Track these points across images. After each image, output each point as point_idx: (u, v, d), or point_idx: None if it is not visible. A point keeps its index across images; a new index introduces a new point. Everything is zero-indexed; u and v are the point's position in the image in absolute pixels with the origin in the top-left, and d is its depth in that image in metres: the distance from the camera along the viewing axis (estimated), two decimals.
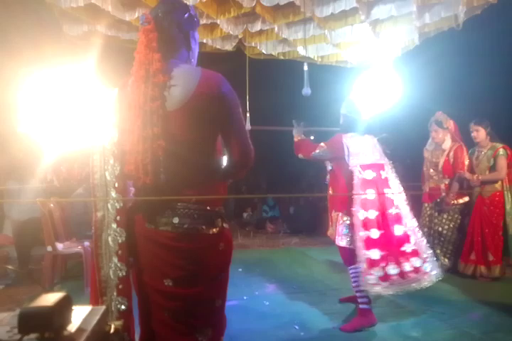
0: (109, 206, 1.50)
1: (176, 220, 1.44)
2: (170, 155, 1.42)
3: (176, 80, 1.45)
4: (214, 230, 1.49)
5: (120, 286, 1.49)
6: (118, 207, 1.51)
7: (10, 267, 4.26)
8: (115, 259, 1.49)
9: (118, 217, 1.50)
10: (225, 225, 1.54)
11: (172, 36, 1.52)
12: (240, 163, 1.56)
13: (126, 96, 1.48)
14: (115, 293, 1.49)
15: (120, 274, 1.49)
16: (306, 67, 3.75)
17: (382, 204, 2.94)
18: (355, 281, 2.98)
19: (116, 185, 1.51)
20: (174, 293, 1.46)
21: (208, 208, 1.49)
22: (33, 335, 0.93)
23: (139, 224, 1.49)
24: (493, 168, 4.29)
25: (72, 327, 1.01)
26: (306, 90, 3.61)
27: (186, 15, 1.56)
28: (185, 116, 1.43)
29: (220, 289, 1.56)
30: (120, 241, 1.49)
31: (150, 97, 1.40)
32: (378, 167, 3.03)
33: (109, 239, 1.49)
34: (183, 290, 1.46)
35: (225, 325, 1.60)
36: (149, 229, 1.46)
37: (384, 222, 2.90)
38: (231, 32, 4.22)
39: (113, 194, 1.52)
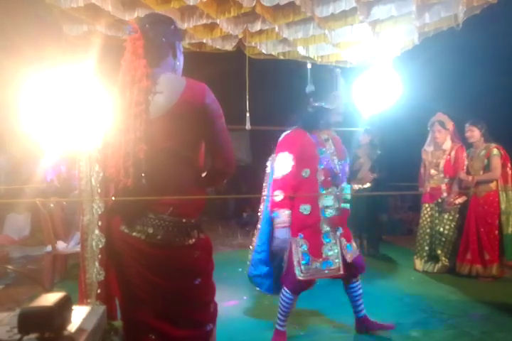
0: (94, 211, 1.54)
1: (150, 230, 1.45)
2: (151, 160, 1.43)
3: (161, 87, 1.47)
4: (190, 241, 1.51)
5: (98, 291, 1.51)
6: (100, 212, 1.54)
7: (10, 267, 4.25)
8: (96, 263, 1.52)
9: (99, 222, 1.53)
10: (201, 235, 1.56)
11: (158, 45, 1.55)
12: (221, 172, 1.62)
13: (111, 102, 1.50)
14: (94, 297, 1.52)
15: (99, 278, 1.52)
16: (309, 65, 3.77)
17: None
18: None
19: (99, 190, 1.53)
20: (153, 290, 1.48)
21: (184, 220, 1.49)
22: (33, 335, 0.93)
23: (115, 225, 1.51)
24: (486, 168, 4.31)
25: (72, 327, 1.01)
26: (310, 87, 3.62)
27: (172, 27, 1.62)
28: (168, 123, 1.45)
29: (199, 291, 1.56)
30: (100, 245, 1.53)
31: (134, 102, 1.42)
32: None
33: (93, 243, 1.54)
34: (161, 288, 1.48)
35: (210, 324, 1.60)
36: (123, 232, 1.48)
37: None
38: (231, 32, 4.21)
39: (97, 200, 1.55)
